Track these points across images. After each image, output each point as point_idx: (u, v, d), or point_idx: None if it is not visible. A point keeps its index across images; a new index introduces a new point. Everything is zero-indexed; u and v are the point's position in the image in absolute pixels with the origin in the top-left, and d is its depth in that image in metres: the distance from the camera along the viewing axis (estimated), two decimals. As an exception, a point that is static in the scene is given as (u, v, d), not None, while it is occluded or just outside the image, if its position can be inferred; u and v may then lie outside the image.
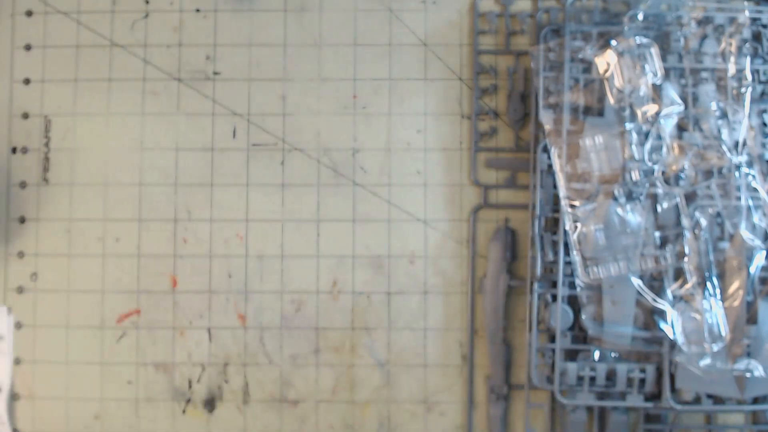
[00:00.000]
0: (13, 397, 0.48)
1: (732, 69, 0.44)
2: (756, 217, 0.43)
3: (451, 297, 0.47)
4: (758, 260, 0.43)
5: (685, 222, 0.43)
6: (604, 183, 0.44)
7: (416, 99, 0.48)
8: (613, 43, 0.44)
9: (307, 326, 0.47)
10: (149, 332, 0.48)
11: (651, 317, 0.43)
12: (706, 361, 0.42)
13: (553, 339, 0.44)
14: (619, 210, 0.43)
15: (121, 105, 0.49)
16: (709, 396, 0.44)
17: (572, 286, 0.44)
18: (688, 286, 0.43)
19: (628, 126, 0.44)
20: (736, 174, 0.43)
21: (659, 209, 0.44)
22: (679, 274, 0.43)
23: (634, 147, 0.44)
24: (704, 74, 0.44)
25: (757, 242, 0.43)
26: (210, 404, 0.47)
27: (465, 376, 0.47)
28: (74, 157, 0.49)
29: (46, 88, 0.49)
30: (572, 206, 0.44)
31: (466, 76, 0.48)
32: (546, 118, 0.45)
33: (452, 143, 0.48)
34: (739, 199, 0.43)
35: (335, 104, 0.48)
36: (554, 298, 0.44)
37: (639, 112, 0.44)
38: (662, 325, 0.43)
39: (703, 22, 0.45)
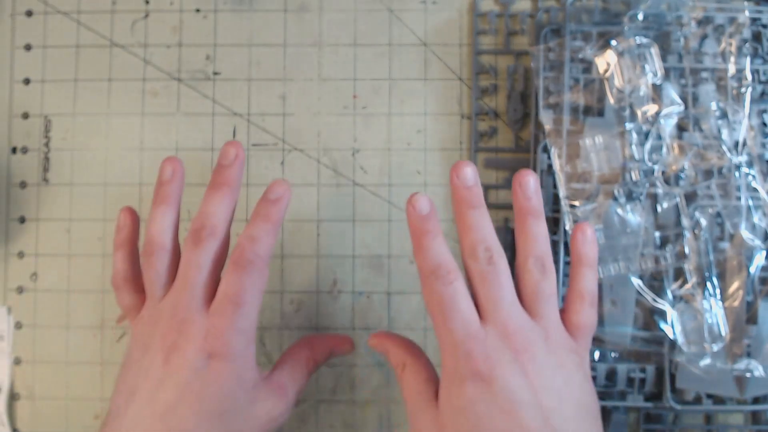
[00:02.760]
0: (13, 397, 0.48)
1: (732, 69, 0.44)
2: (756, 217, 0.43)
3: (451, 297, 0.47)
4: (758, 260, 0.43)
5: (685, 222, 0.43)
6: (604, 183, 0.44)
7: (416, 99, 0.48)
8: (613, 43, 0.44)
9: (307, 326, 0.47)
10: (149, 332, 0.48)
11: (651, 317, 0.43)
12: (706, 361, 0.42)
13: (553, 339, 0.44)
14: (619, 210, 0.43)
15: (121, 105, 0.49)
16: (709, 396, 0.44)
17: (572, 286, 0.44)
18: (688, 286, 0.43)
19: (628, 126, 0.44)
20: (736, 174, 0.43)
21: (659, 209, 0.44)
22: (679, 274, 0.43)
23: (634, 147, 0.44)
24: (704, 74, 0.44)
25: (757, 242, 0.43)
26: (210, 404, 0.47)
27: (465, 376, 0.47)
28: (74, 157, 0.49)
29: (46, 88, 0.49)
30: (572, 206, 0.44)
31: (465, 76, 0.48)
32: (546, 118, 0.45)
33: (452, 143, 0.48)
34: (739, 199, 0.43)
35: (335, 104, 0.48)
36: (554, 298, 0.44)
37: (639, 112, 0.44)
38: (662, 325, 0.43)
39: (703, 22, 0.45)
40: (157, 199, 0.38)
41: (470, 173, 0.37)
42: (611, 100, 0.44)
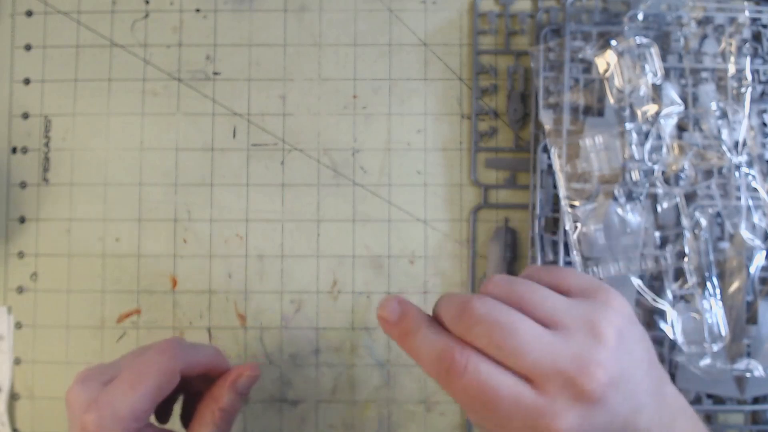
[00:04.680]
0: (13, 397, 0.48)
1: (732, 69, 0.44)
2: (756, 217, 0.43)
3: (451, 297, 0.47)
4: (758, 260, 0.43)
5: (685, 222, 0.43)
6: (604, 183, 0.44)
7: (416, 99, 0.48)
8: (613, 43, 0.44)
9: (307, 326, 0.47)
10: (149, 332, 0.48)
11: (651, 317, 0.43)
12: (706, 361, 0.42)
13: (553, 339, 0.44)
14: (619, 210, 0.43)
15: (121, 105, 0.49)
16: (709, 396, 0.44)
17: (572, 286, 0.44)
18: (688, 286, 0.43)
19: (628, 126, 0.44)
20: (736, 174, 0.43)
21: (659, 209, 0.44)
22: (679, 274, 0.43)
23: (634, 147, 0.44)
24: (704, 74, 0.44)
25: (757, 242, 0.43)
26: (210, 404, 0.47)
27: (465, 376, 0.47)
28: (74, 157, 0.49)
29: (46, 88, 0.49)
30: (572, 206, 0.44)
31: (465, 76, 0.48)
32: (546, 118, 0.45)
33: (452, 143, 0.48)
34: (739, 199, 0.43)
35: (335, 104, 0.48)
36: (554, 298, 0.44)
37: (639, 112, 0.44)
38: (662, 325, 0.43)
39: (703, 22, 0.45)
40: None
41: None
42: (611, 100, 0.44)
